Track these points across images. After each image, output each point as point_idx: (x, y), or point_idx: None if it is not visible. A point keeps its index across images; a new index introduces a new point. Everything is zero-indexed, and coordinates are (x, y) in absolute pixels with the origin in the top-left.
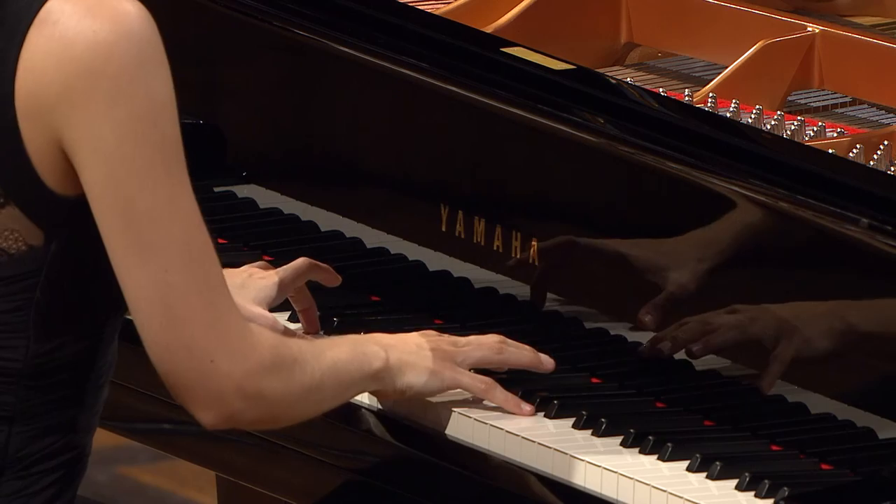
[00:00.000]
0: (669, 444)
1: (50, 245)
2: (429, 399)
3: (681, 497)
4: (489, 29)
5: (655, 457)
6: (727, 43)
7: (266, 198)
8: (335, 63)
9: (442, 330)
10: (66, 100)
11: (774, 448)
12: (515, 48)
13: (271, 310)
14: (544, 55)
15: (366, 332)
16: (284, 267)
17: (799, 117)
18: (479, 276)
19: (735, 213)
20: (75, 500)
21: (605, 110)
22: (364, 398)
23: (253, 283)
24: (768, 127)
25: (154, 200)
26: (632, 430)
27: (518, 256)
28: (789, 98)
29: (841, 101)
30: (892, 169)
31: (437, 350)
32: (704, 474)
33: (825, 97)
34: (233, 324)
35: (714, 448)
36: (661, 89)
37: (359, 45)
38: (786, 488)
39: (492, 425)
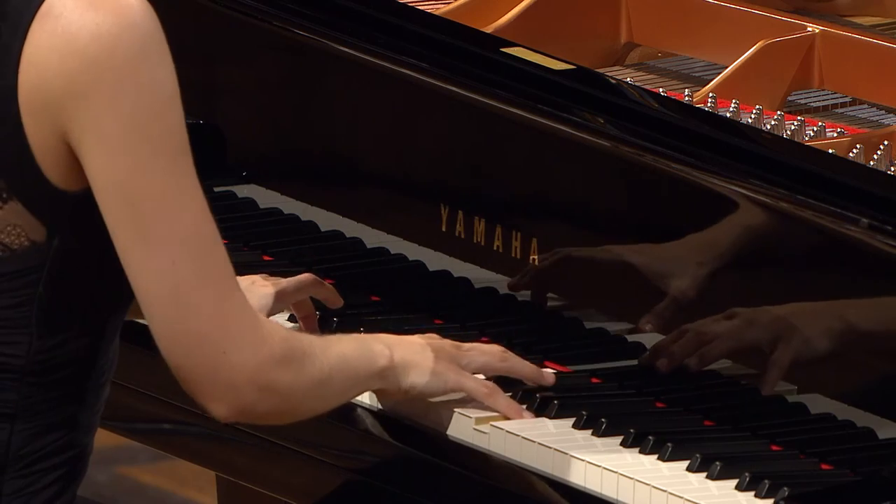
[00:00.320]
0: (669, 444)
1: (52, 240)
2: (429, 399)
3: (681, 497)
4: (489, 29)
5: (655, 457)
6: (727, 43)
7: (266, 198)
8: (335, 63)
9: (442, 330)
10: (70, 93)
11: (774, 448)
12: (515, 48)
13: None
14: (544, 55)
15: (366, 333)
16: (289, 279)
17: (799, 117)
18: (479, 276)
19: (735, 213)
20: (75, 499)
21: (605, 110)
22: (364, 398)
23: (254, 290)
24: (768, 127)
25: (160, 192)
26: (632, 430)
27: (518, 257)
28: (789, 98)
29: (841, 101)
30: (892, 169)
31: (440, 351)
32: (704, 474)
33: (825, 97)
34: (244, 315)
35: (714, 448)
36: (661, 89)
37: (359, 45)
38: (786, 488)
39: (492, 425)
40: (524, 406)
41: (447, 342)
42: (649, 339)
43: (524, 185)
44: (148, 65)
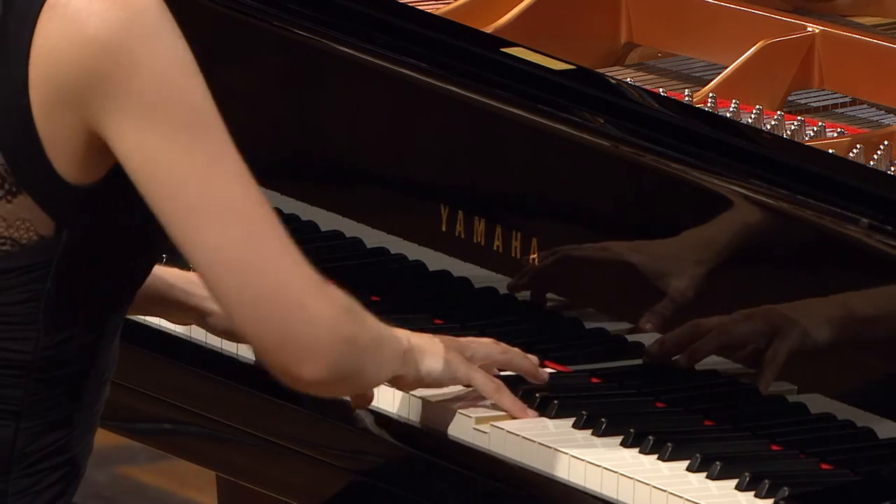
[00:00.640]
0: (669, 444)
1: (60, 235)
2: (429, 399)
3: (681, 497)
4: (489, 29)
5: (655, 457)
6: (727, 43)
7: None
8: (335, 63)
9: (442, 330)
10: (88, 81)
11: (774, 448)
12: (515, 48)
13: None
14: (544, 55)
15: None
16: None
17: (799, 117)
18: (479, 276)
19: (735, 213)
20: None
21: (605, 110)
22: None
23: None
24: (768, 127)
25: (193, 162)
26: (632, 430)
27: (518, 257)
28: (789, 98)
29: (841, 101)
30: (892, 169)
31: (446, 341)
32: (704, 474)
33: (825, 97)
34: (305, 267)
35: (714, 448)
36: (661, 89)
37: (359, 45)
38: (786, 488)
39: (492, 425)
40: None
41: (447, 336)
42: (649, 338)
43: (524, 185)
44: (161, 43)
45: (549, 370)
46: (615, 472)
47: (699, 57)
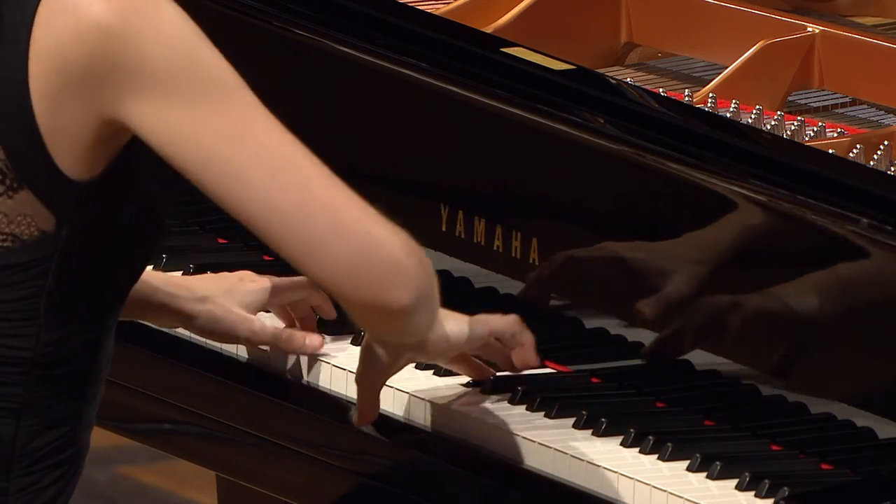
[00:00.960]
0: (669, 444)
1: (61, 230)
2: (428, 399)
3: (681, 497)
4: (489, 29)
5: (655, 457)
6: (727, 43)
7: None
8: (335, 63)
9: None
10: (95, 70)
11: (774, 448)
12: (515, 48)
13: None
14: (544, 55)
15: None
16: (284, 278)
17: (799, 117)
18: (479, 276)
19: (735, 213)
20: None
21: (605, 110)
22: None
23: (242, 286)
24: (768, 127)
25: (221, 127)
26: (632, 430)
27: (519, 257)
28: (789, 98)
29: (841, 101)
30: (892, 169)
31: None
32: (704, 474)
33: (825, 97)
34: (360, 200)
35: (714, 448)
36: (661, 89)
37: (359, 45)
38: (786, 488)
39: (492, 425)
40: (524, 406)
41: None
42: (649, 338)
43: (524, 185)
44: (165, 15)
45: (549, 370)
46: (615, 472)
47: (699, 57)
